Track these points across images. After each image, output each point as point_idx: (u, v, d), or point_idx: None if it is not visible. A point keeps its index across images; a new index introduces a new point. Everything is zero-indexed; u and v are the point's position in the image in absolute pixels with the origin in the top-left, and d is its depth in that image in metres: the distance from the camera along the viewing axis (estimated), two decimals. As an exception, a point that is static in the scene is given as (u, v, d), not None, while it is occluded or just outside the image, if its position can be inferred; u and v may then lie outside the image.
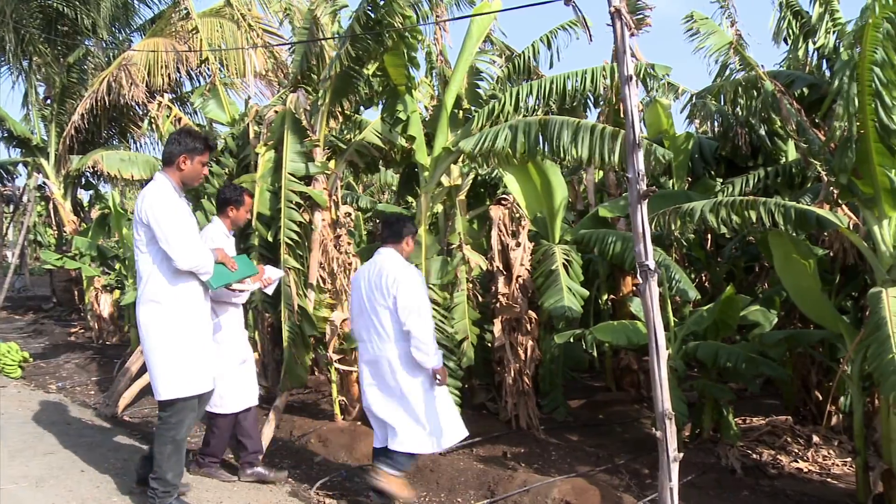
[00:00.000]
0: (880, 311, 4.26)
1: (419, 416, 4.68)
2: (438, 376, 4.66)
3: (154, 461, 4.39)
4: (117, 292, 11.37)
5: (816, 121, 6.40)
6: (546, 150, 5.72)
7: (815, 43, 6.81)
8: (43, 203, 15.97)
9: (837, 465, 6.05)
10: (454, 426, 4.84)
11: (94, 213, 15.09)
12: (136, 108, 13.94)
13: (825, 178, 5.24)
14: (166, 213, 4.15)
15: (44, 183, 14.52)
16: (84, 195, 16.38)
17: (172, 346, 4.28)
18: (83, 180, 15.15)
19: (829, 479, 5.78)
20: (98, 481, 5.16)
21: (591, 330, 6.10)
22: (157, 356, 4.26)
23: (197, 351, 4.38)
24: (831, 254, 6.27)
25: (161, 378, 4.27)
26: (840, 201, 5.25)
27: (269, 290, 5.47)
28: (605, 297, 8.51)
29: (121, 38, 15.60)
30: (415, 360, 4.61)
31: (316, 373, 8.51)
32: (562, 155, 5.59)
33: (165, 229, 4.12)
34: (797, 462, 6.09)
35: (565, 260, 6.74)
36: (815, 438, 6.44)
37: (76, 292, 14.99)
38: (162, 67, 12.12)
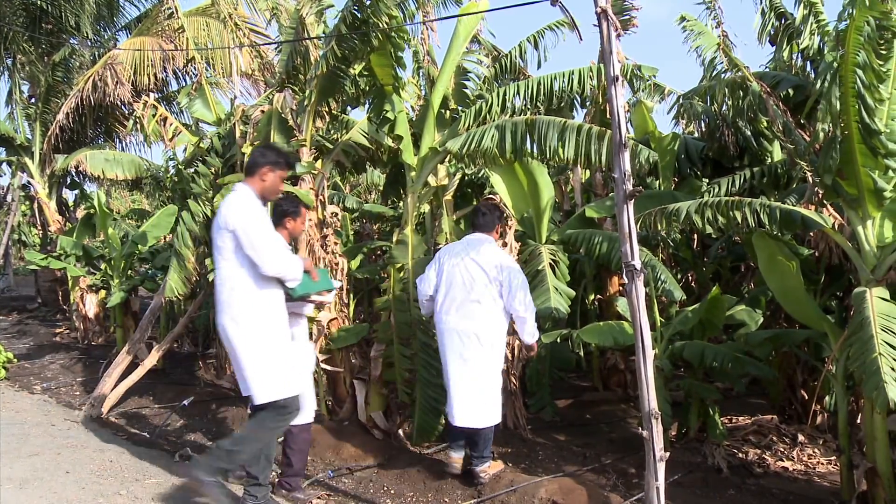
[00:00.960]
0: (864, 311, 4.28)
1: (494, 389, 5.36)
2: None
3: (236, 436, 4.48)
4: (103, 292, 11.29)
5: (801, 122, 6.44)
6: (533, 150, 5.72)
7: (799, 44, 6.85)
8: (27, 202, 15.84)
9: (822, 464, 6.08)
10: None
11: (80, 213, 15.00)
12: (122, 107, 13.85)
13: (810, 179, 5.27)
14: (253, 220, 4.26)
15: (28, 182, 14.40)
16: (69, 195, 16.28)
17: (264, 349, 4.35)
18: (68, 180, 15.04)
19: (814, 478, 5.81)
20: (83, 482, 5.13)
21: (576, 332, 6.10)
22: (249, 361, 4.32)
23: (286, 354, 4.48)
24: (816, 254, 6.31)
25: (256, 382, 4.34)
26: (825, 202, 5.28)
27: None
28: (592, 296, 8.53)
29: (106, 37, 15.52)
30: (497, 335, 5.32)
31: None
32: (549, 155, 5.59)
33: (252, 236, 4.22)
34: (783, 461, 6.12)
35: (552, 260, 6.75)
36: (801, 437, 6.47)
37: (61, 292, 14.87)
38: (148, 66, 12.08)
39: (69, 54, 14.07)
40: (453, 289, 5.33)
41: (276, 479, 5.25)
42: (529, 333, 5.40)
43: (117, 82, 11.82)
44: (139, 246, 10.35)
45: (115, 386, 7.77)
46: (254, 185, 4.45)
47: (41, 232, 15.61)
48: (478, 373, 5.29)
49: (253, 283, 4.31)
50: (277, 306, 4.46)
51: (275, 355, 4.39)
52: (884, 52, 4.37)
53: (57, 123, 12.92)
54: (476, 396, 5.29)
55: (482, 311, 5.27)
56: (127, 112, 14.06)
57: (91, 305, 11.56)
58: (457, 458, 5.52)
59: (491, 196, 7.20)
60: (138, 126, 9.11)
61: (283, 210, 5.14)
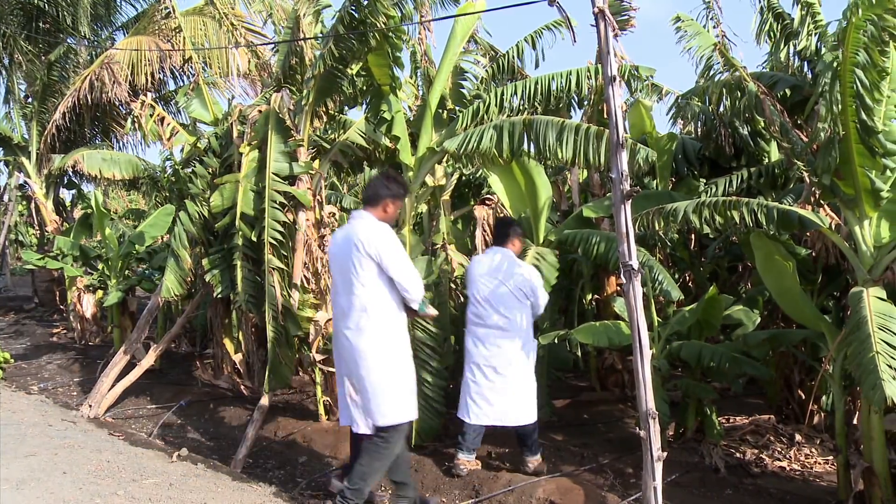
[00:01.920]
0: (861, 311, 4.29)
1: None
2: None
3: (357, 473, 4.50)
4: (100, 292, 11.27)
5: (799, 122, 6.44)
6: (531, 150, 5.73)
7: (796, 45, 6.85)
8: (24, 202, 15.81)
9: (819, 464, 6.09)
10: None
11: (77, 213, 14.97)
12: (119, 106, 13.83)
13: (808, 179, 5.27)
14: (398, 249, 4.48)
15: (25, 182, 14.38)
16: (66, 194, 16.26)
17: (395, 372, 4.49)
18: (65, 179, 15.02)
19: (811, 478, 5.82)
20: (80, 483, 5.11)
21: (572, 332, 6.11)
22: (381, 383, 4.43)
23: (412, 376, 4.66)
24: (813, 254, 6.32)
25: (384, 404, 4.42)
26: (822, 202, 5.28)
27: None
28: (590, 296, 8.53)
29: (103, 37, 15.49)
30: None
31: (300, 373, 8.49)
32: (547, 155, 5.60)
33: (398, 262, 4.45)
34: (780, 460, 6.13)
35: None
36: (798, 437, 6.48)
37: (58, 292, 14.85)
38: (145, 66, 12.05)
39: (65, 53, 14.04)
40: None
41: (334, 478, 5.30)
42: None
43: (114, 82, 11.80)
44: (136, 246, 10.34)
45: (113, 386, 7.76)
46: (376, 214, 4.63)
47: (38, 232, 15.59)
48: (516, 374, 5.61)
49: (388, 307, 4.50)
50: (404, 328, 4.66)
51: (406, 378, 4.58)
52: (886, 51, 4.38)
53: (53, 123, 12.90)
54: (514, 397, 5.58)
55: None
56: (124, 112, 14.05)
57: (88, 305, 11.54)
58: (466, 460, 5.59)
59: (489, 196, 7.20)
60: (136, 126, 9.10)
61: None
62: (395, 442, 4.51)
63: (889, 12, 4.21)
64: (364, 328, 4.43)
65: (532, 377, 5.70)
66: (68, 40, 14.29)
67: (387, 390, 4.43)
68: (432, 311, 5.09)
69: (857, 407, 5.29)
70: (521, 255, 6.80)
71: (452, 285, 6.84)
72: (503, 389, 5.55)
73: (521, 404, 5.59)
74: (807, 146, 5.19)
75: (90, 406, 7.55)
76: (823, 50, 6.26)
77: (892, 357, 3.97)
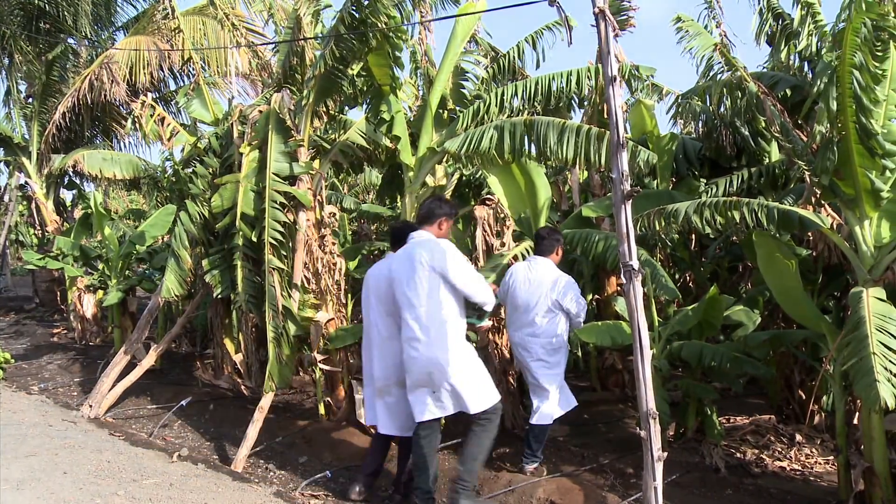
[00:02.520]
0: (860, 311, 4.29)
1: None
2: None
3: (469, 455, 4.85)
4: (100, 293, 11.26)
5: (799, 122, 6.44)
6: (531, 150, 5.73)
7: (797, 45, 6.85)
8: (25, 203, 15.82)
9: (820, 464, 6.09)
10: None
11: (77, 213, 14.97)
12: (120, 106, 13.84)
13: (808, 179, 5.27)
14: (462, 262, 4.85)
15: (25, 182, 14.38)
16: (67, 195, 16.25)
17: (472, 369, 4.85)
18: (66, 179, 15.02)
19: (811, 478, 5.82)
20: (81, 483, 5.12)
21: (574, 330, 6.11)
22: (463, 381, 4.75)
23: (482, 365, 5.03)
24: (814, 254, 6.31)
25: (472, 396, 4.77)
26: (822, 202, 5.28)
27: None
28: (590, 296, 8.53)
29: (103, 37, 15.50)
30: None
31: (301, 373, 8.49)
32: (547, 155, 5.60)
33: (465, 276, 4.79)
34: (780, 461, 6.13)
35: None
36: (798, 437, 6.48)
37: (59, 293, 14.84)
38: (145, 66, 12.06)
39: (62, 52, 14.03)
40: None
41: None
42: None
43: (114, 82, 11.81)
44: (137, 246, 10.34)
45: (113, 386, 7.76)
46: (433, 231, 4.98)
47: (38, 232, 15.59)
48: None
49: (458, 316, 4.85)
50: (464, 332, 4.98)
51: (480, 369, 4.95)
52: (880, 54, 4.38)
53: (54, 123, 12.91)
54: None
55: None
56: (124, 112, 14.06)
57: (88, 305, 11.54)
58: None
59: (489, 196, 7.21)
60: (136, 126, 9.10)
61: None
62: (495, 419, 4.91)
63: (882, 17, 4.23)
64: (435, 339, 4.71)
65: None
66: (69, 40, 14.30)
67: (470, 385, 4.77)
68: (486, 324, 5.55)
69: (858, 407, 5.29)
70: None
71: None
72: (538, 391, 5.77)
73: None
74: (807, 146, 5.20)
75: (90, 406, 7.55)
76: (824, 50, 6.26)
77: (888, 359, 3.97)
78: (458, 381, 4.71)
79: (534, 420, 5.68)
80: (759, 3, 7.17)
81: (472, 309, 5.08)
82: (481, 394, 4.82)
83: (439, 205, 5.05)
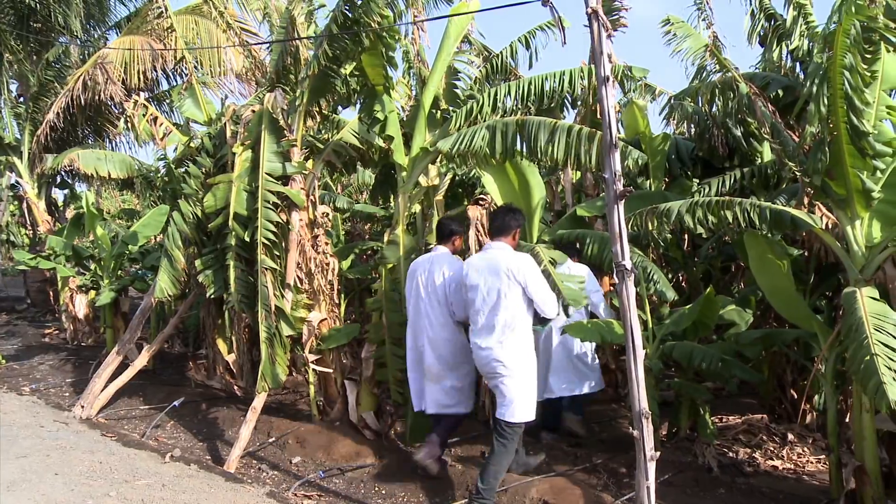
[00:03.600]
0: (856, 312, 4.28)
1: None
2: None
3: (490, 473, 5.02)
4: (93, 293, 11.23)
5: (791, 122, 6.46)
6: (524, 150, 5.73)
7: (789, 45, 6.87)
8: (16, 202, 15.73)
9: (812, 463, 6.11)
10: None
11: (69, 213, 14.91)
12: (113, 106, 13.79)
13: (800, 179, 5.29)
14: (539, 275, 5.15)
15: (17, 182, 14.32)
16: (59, 194, 16.19)
17: (529, 380, 5.13)
18: (58, 179, 14.97)
19: (803, 477, 5.83)
20: (72, 485, 5.11)
21: (564, 329, 6.11)
22: (517, 388, 5.05)
23: (535, 384, 5.28)
24: (806, 254, 6.33)
25: (520, 404, 5.05)
26: (814, 202, 5.29)
27: None
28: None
29: (96, 36, 15.44)
30: None
31: (293, 373, 8.47)
32: (539, 155, 5.60)
33: (541, 288, 5.09)
34: (772, 460, 6.14)
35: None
36: (790, 436, 6.49)
37: (51, 293, 14.78)
38: (138, 65, 12.02)
39: (58, 53, 13.99)
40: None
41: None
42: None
43: (107, 81, 11.76)
44: (129, 246, 10.31)
45: (105, 387, 7.74)
46: (508, 242, 5.30)
47: (30, 232, 15.52)
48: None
49: (527, 323, 5.15)
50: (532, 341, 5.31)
51: (534, 385, 5.21)
52: (869, 56, 4.40)
53: (47, 123, 12.85)
54: None
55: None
56: (117, 112, 14.01)
57: (81, 306, 11.50)
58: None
59: (483, 196, 7.21)
60: (129, 126, 9.07)
61: (452, 230, 5.90)
62: (515, 438, 5.14)
63: (872, 19, 4.25)
64: (506, 342, 5.03)
65: None
66: (60, 40, 14.24)
67: (520, 394, 5.05)
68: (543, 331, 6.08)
69: (849, 406, 5.31)
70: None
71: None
72: None
73: None
74: (798, 146, 5.21)
75: (82, 407, 7.53)
76: (815, 51, 6.28)
77: (890, 358, 3.97)
78: (510, 386, 5.04)
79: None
80: (751, 4, 7.19)
81: (535, 317, 5.28)
82: (522, 407, 5.06)
83: (513, 216, 5.38)
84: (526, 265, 5.09)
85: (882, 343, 4.05)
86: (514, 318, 5.06)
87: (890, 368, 3.91)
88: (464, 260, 5.69)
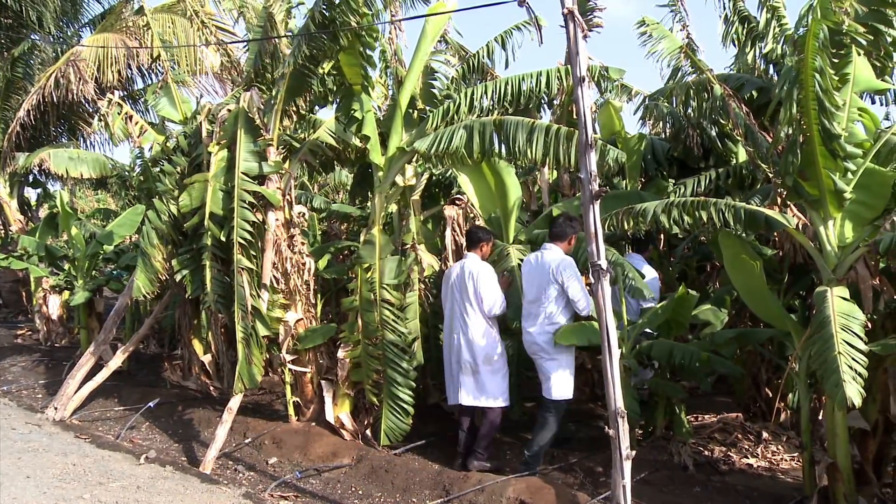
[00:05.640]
0: (825, 310, 4.35)
1: None
2: None
3: (536, 442, 5.77)
4: (66, 293, 11.10)
5: (766, 123, 6.52)
6: (501, 150, 5.74)
7: (763, 48, 6.94)
8: (-14, 202, 15.53)
9: (786, 460, 6.18)
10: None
11: (42, 212, 14.73)
12: (86, 104, 13.64)
13: (773, 180, 5.34)
14: (578, 277, 5.76)
15: (-13, 182, 14.14)
16: (32, 193, 15.99)
17: (568, 362, 5.83)
18: (31, 178, 14.78)
19: (777, 474, 5.90)
20: (45, 487, 5.05)
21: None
22: (556, 369, 5.75)
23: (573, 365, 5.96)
24: (780, 253, 6.39)
25: (556, 383, 5.74)
26: (788, 202, 5.35)
27: None
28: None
29: (69, 33, 15.26)
30: None
31: (270, 374, 8.43)
32: (517, 155, 5.61)
33: (577, 288, 5.72)
34: (747, 458, 6.20)
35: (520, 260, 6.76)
36: (765, 435, 6.56)
37: (23, 293, 14.62)
38: (112, 64, 11.90)
39: (29, 50, 13.79)
40: None
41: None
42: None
43: (80, 79, 11.64)
44: (104, 246, 10.20)
45: (79, 388, 7.66)
46: (563, 247, 5.93)
47: (2, 231, 15.32)
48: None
49: (566, 315, 5.81)
50: None
51: (572, 366, 5.87)
52: (837, 61, 4.47)
53: (18, 121, 12.67)
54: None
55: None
56: (91, 110, 13.86)
57: (54, 306, 11.37)
58: None
59: (459, 196, 7.21)
60: (103, 124, 8.97)
61: (479, 237, 6.24)
62: (559, 414, 5.80)
63: (838, 25, 4.31)
64: (547, 331, 5.76)
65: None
66: (32, 36, 14.05)
67: (557, 375, 5.74)
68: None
69: (823, 404, 5.37)
70: (500, 256, 6.86)
71: (422, 285, 6.84)
72: None
73: None
74: (771, 147, 5.26)
75: (56, 409, 7.44)
76: (787, 54, 6.34)
77: (852, 358, 4.03)
78: (549, 366, 5.75)
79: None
80: (724, 9, 7.24)
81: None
82: (562, 386, 5.74)
83: (571, 224, 5.98)
84: (566, 268, 5.71)
85: (846, 342, 4.11)
86: (555, 310, 5.74)
87: (851, 368, 3.98)
88: (455, 262, 6.26)
